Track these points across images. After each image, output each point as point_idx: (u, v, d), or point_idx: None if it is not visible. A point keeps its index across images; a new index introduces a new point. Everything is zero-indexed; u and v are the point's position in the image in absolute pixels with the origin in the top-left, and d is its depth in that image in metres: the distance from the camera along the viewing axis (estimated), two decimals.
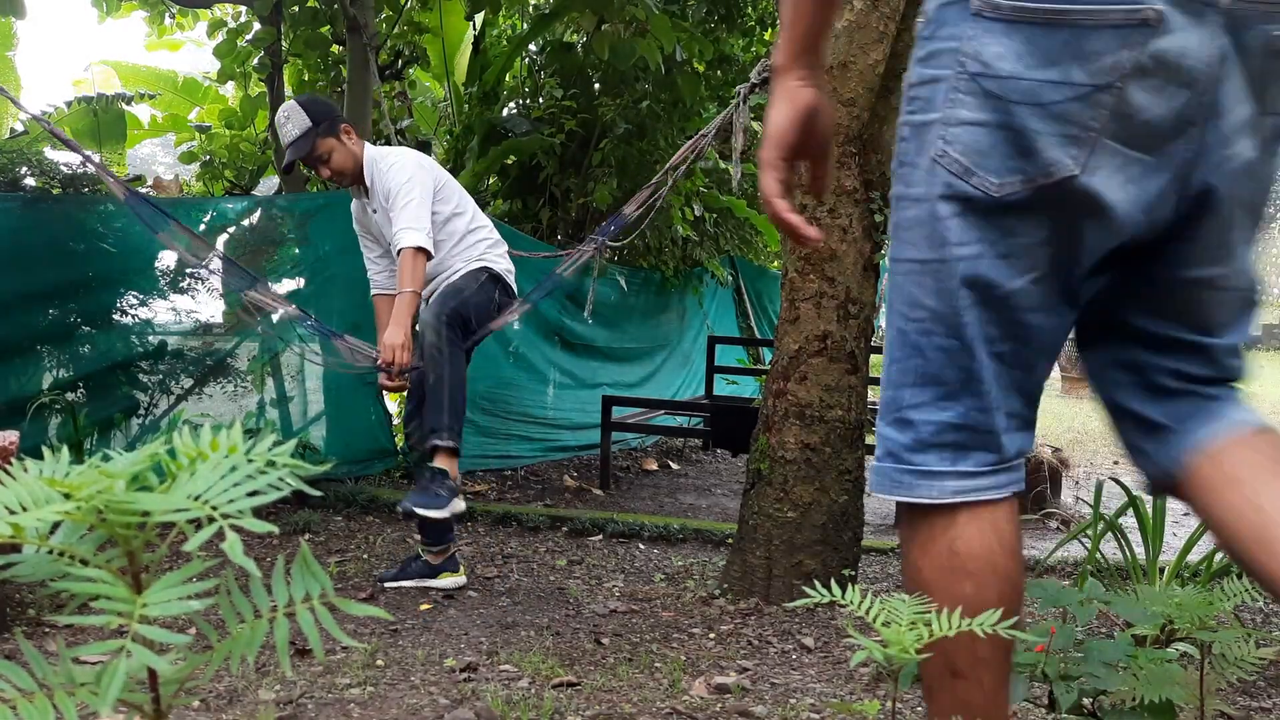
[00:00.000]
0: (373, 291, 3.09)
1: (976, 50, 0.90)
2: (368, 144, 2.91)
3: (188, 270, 3.71)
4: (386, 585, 2.84)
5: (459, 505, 2.72)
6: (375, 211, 2.90)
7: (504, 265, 3.00)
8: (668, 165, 3.29)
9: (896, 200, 1.01)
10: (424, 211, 2.75)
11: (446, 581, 2.88)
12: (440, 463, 2.70)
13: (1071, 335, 1.07)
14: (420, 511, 2.64)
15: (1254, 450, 1.05)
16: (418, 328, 2.79)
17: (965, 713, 1.02)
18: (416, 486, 2.76)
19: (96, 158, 4.65)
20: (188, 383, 3.92)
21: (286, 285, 4.31)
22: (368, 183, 2.87)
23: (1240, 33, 0.86)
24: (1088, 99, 0.87)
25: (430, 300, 2.89)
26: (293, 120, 2.79)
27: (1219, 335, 1.06)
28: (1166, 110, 0.88)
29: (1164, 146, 0.89)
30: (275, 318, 3.52)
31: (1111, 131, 0.88)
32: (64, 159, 3.95)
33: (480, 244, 2.96)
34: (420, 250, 2.72)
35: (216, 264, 3.36)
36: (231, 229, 4.21)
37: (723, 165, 5.82)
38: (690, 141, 3.20)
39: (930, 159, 0.94)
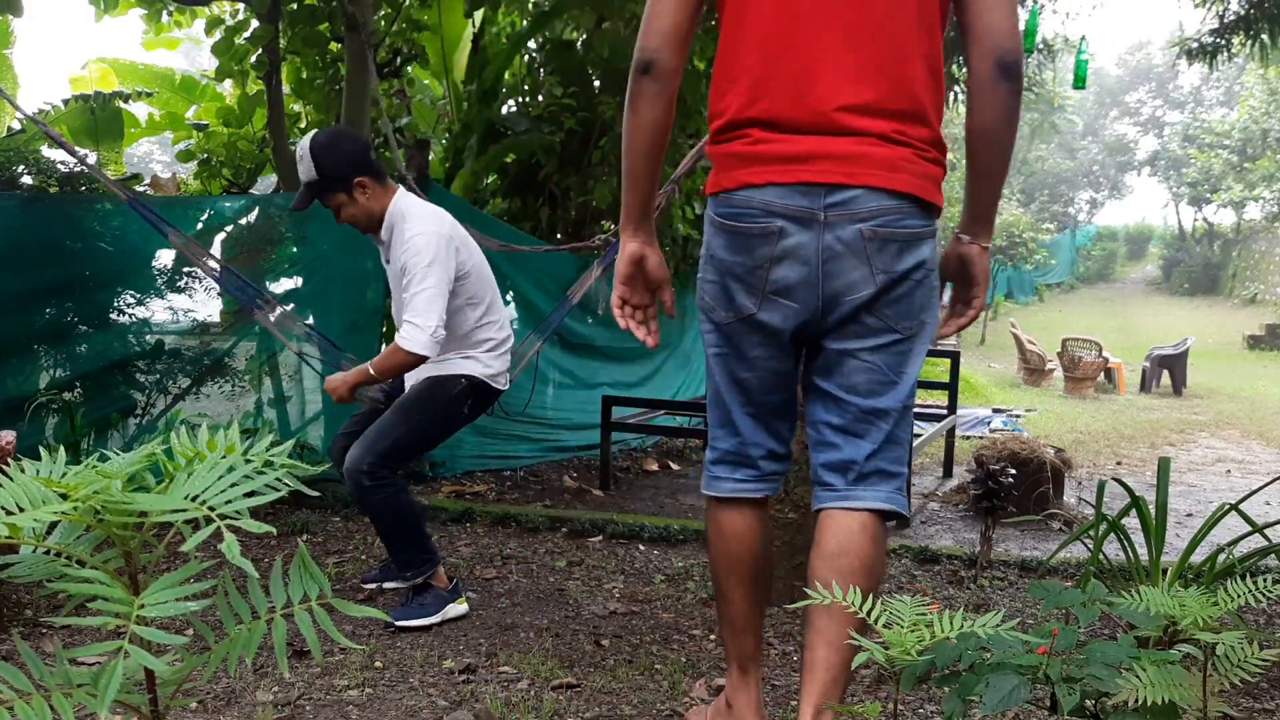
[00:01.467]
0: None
1: (709, 242, 1.58)
2: (401, 192, 2.61)
3: (185, 270, 3.69)
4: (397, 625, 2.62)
5: (453, 611, 2.58)
6: (389, 263, 2.64)
7: (495, 369, 2.69)
8: (673, 176, 3.27)
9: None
10: (439, 304, 2.46)
11: (453, 610, 2.67)
12: (422, 583, 2.59)
13: None
14: (404, 624, 2.48)
15: None
16: (345, 470, 2.51)
17: (727, 622, 1.70)
18: (403, 600, 2.61)
19: (91, 158, 4.64)
20: (185, 382, 3.91)
21: (285, 284, 4.30)
22: (384, 238, 2.59)
23: (836, 229, 1.46)
24: (754, 272, 1.52)
25: (390, 407, 2.62)
26: (303, 164, 2.54)
27: (858, 396, 1.57)
28: (796, 278, 1.50)
29: (799, 296, 1.51)
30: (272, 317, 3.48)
31: (769, 288, 1.52)
32: (62, 157, 3.94)
33: (483, 342, 2.67)
34: (414, 359, 2.46)
35: (219, 273, 3.35)
36: (229, 228, 4.20)
37: None
38: (694, 150, 3.17)
39: (699, 297, 1.63)
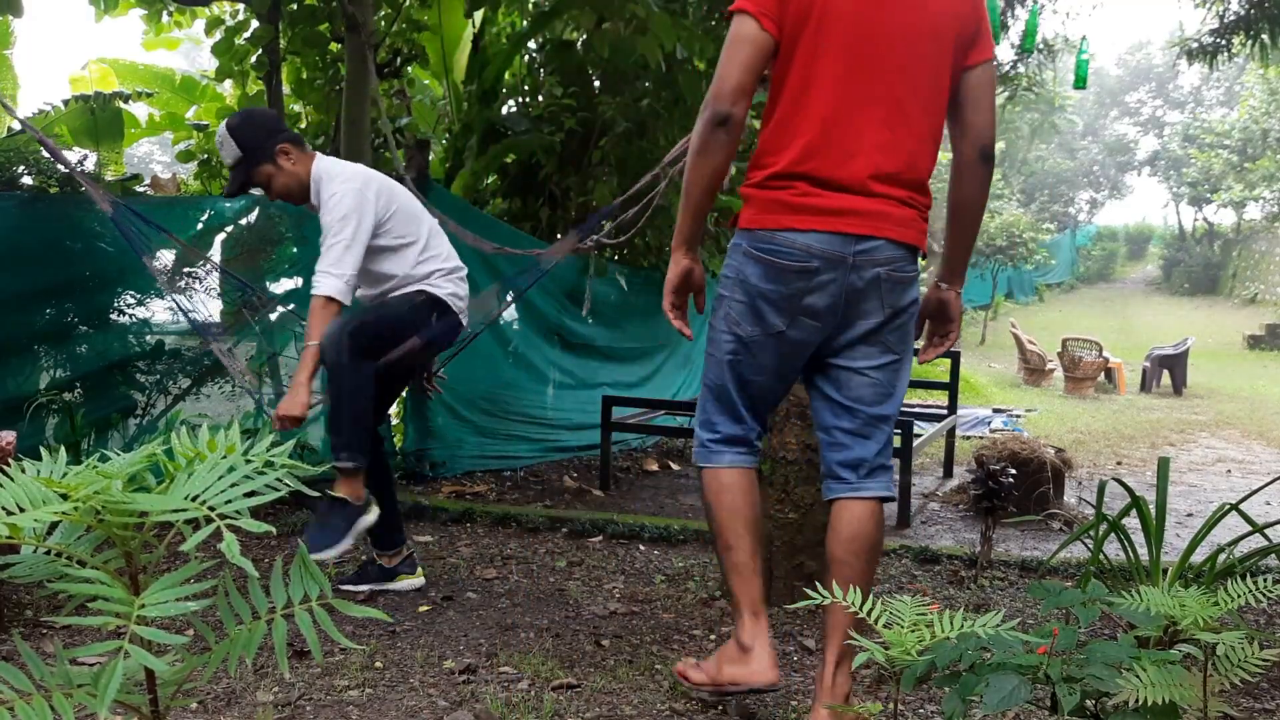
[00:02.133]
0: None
1: (742, 269, 1.87)
2: (319, 157, 2.68)
3: (185, 270, 3.69)
4: (343, 588, 2.76)
5: (364, 522, 2.52)
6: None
7: (448, 289, 2.75)
8: (664, 161, 3.27)
9: (713, 323, 1.98)
10: (351, 255, 2.52)
11: (402, 584, 2.81)
12: (340, 489, 2.53)
13: None
14: (315, 556, 2.42)
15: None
16: (324, 337, 2.53)
17: (735, 570, 1.97)
18: (311, 521, 2.58)
19: (91, 159, 4.64)
20: (185, 383, 3.91)
21: (285, 285, 4.30)
22: (314, 203, 2.65)
23: (860, 271, 1.82)
24: (788, 298, 1.84)
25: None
26: (225, 148, 2.61)
27: (864, 406, 1.91)
28: (823, 305, 1.84)
29: (824, 318, 1.85)
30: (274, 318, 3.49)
31: (800, 312, 1.84)
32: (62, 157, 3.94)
33: (431, 273, 2.73)
34: (331, 300, 2.50)
35: (212, 274, 3.34)
36: (229, 228, 4.20)
37: None
38: (686, 138, 3.17)
39: (724, 313, 1.93)
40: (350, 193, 2.56)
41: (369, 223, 2.58)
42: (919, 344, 2.06)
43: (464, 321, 2.83)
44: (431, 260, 2.74)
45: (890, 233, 1.81)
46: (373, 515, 2.57)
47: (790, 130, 1.81)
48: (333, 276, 2.52)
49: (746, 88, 1.77)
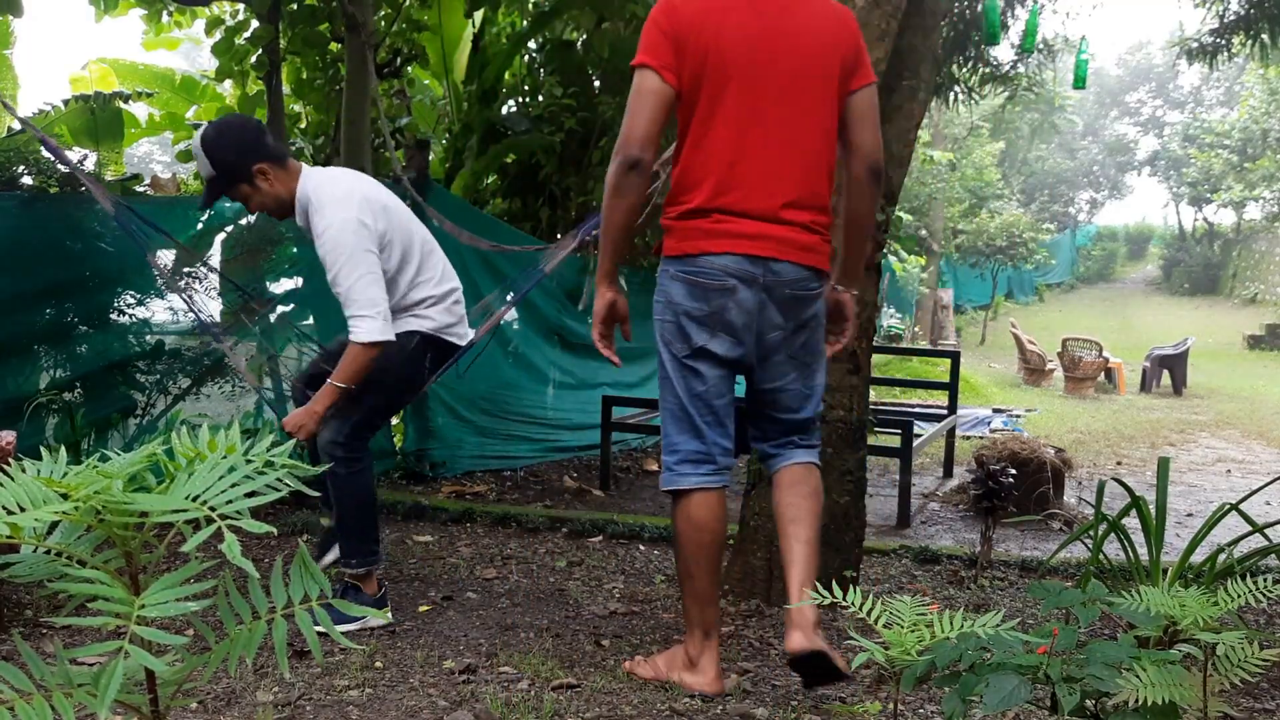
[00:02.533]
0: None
1: (669, 291, 2.06)
2: (305, 173, 2.48)
3: (185, 271, 3.69)
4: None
5: (372, 622, 2.49)
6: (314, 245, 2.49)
7: (439, 321, 2.61)
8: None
9: (658, 348, 2.14)
10: (375, 287, 2.37)
11: (372, 621, 2.52)
12: (356, 580, 2.53)
13: None
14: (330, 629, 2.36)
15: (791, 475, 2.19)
16: (318, 444, 2.48)
17: (693, 596, 2.10)
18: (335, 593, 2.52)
19: (91, 159, 4.64)
20: (185, 383, 3.91)
21: (285, 285, 4.30)
22: (301, 223, 2.49)
23: (771, 291, 2.03)
24: (708, 315, 2.03)
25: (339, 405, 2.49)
26: (199, 163, 2.46)
27: (790, 414, 2.17)
28: (740, 320, 2.03)
29: (741, 334, 2.05)
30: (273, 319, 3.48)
31: (719, 327, 2.03)
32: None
33: (422, 300, 2.58)
34: (373, 345, 2.36)
35: (210, 277, 3.32)
36: (229, 228, 4.20)
37: None
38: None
39: (659, 335, 2.11)
40: (343, 226, 2.37)
41: (374, 247, 2.41)
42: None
43: (461, 342, 2.70)
44: (423, 285, 2.58)
45: (795, 256, 2.02)
46: (383, 620, 2.55)
47: (700, 169, 2.00)
48: (367, 318, 2.36)
49: (653, 136, 1.96)
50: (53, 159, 3.47)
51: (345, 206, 2.39)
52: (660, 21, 1.98)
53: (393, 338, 2.44)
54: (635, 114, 1.95)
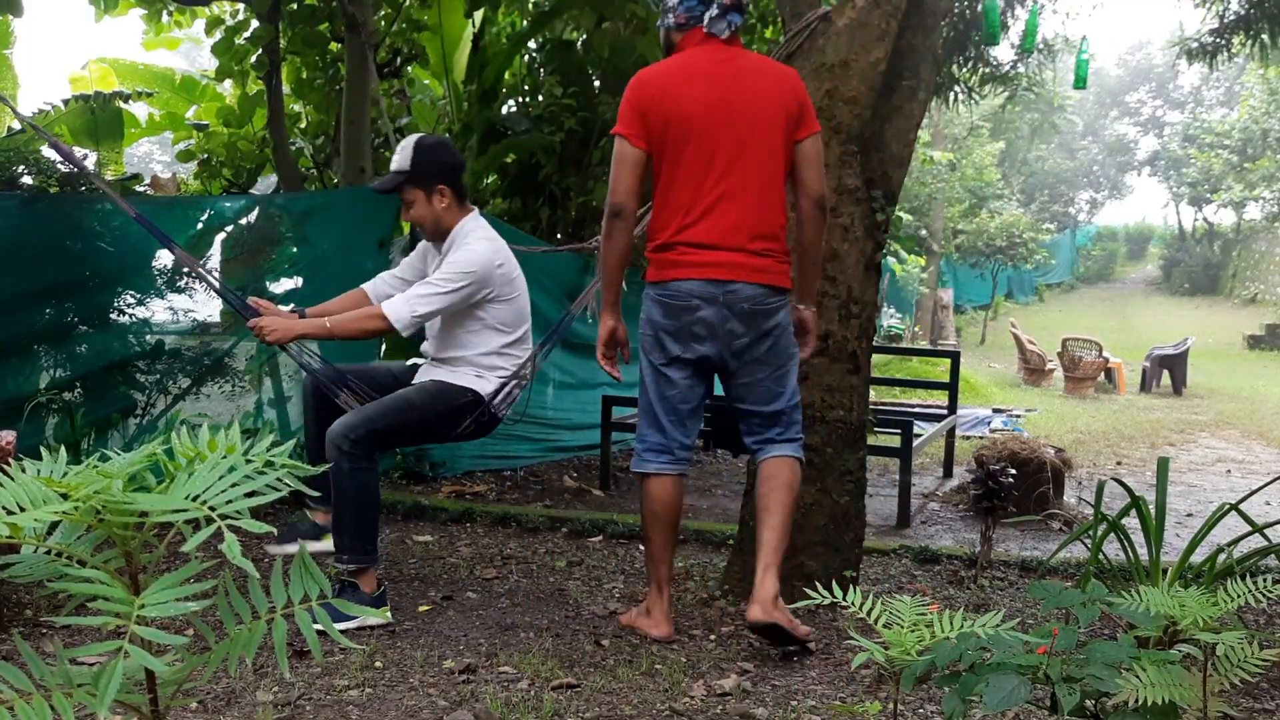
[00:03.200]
0: (365, 286, 2.89)
1: (650, 311, 2.46)
2: (475, 215, 2.75)
3: (186, 270, 3.69)
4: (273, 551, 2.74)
5: (371, 621, 2.50)
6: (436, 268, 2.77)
7: (501, 391, 2.74)
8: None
9: (640, 358, 2.55)
10: (437, 305, 2.59)
11: (371, 620, 2.52)
12: (352, 578, 2.54)
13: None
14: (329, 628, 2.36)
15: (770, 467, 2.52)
16: (330, 430, 2.54)
17: (650, 557, 2.55)
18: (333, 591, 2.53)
19: (91, 159, 4.64)
20: (185, 382, 3.91)
21: (285, 284, 4.30)
22: (442, 251, 2.75)
23: (729, 305, 2.39)
24: (679, 329, 2.42)
25: (396, 392, 2.66)
26: (399, 155, 2.72)
27: (764, 406, 2.49)
28: (705, 332, 2.41)
29: (707, 343, 2.42)
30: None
31: (689, 338, 2.42)
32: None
33: (498, 368, 2.72)
34: (386, 322, 2.55)
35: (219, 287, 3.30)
36: (229, 228, 4.20)
37: None
38: None
39: (641, 347, 2.51)
40: (480, 260, 2.64)
41: (472, 292, 2.64)
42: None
43: (500, 417, 2.79)
44: (508, 359, 2.74)
45: (749, 277, 2.38)
46: (382, 620, 2.55)
47: (669, 212, 2.42)
48: (406, 308, 2.56)
49: (631, 189, 2.40)
50: (54, 157, 3.46)
51: (485, 254, 2.68)
52: (630, 96, 2.41)
53: (405, 334, 2.62)
54: (615, 173, 2.42)
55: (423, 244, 2.88)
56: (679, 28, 2.45)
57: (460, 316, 2.69)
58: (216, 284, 3.12)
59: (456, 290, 2.61)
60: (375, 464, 2.59)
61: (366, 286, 2.90)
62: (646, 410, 2.51)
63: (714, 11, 2.41)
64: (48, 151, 3.73)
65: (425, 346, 2.85)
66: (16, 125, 4.73)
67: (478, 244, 2.67)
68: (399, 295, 2.62)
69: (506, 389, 2.75)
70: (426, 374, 2.74)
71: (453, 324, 2.71)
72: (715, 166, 2.37)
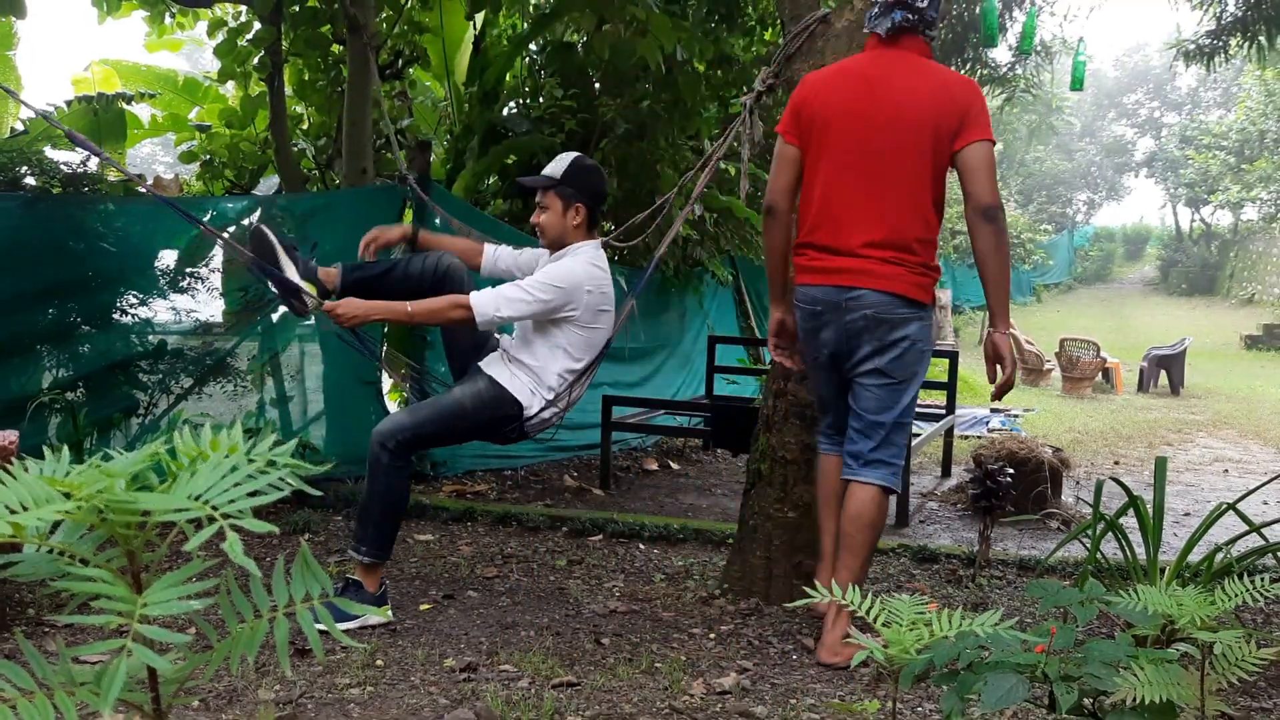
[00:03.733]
0: (488, 245, 2.93)
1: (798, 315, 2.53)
2: (595, 244, 2.79)
3: (187, 270, 3.70)
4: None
5: (372, 620, 2.52)
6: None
7: (548, 411, 2.75)
8: (693, 197, 3.29)
9: None
10: (524, 309, 2.62)
11: (372, 619, 2.56)
12: (358, 574, 2.58)
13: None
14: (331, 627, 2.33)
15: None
16: (378, 427, 2.59)
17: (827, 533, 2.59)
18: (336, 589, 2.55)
19: (86, 158, 4.64)
20: (187, 382, 3.92)
21: None
22: (550, 257, 2.80)
23: (852, 312, 2.37)
24: (809, 333, 2.49)
25: (455, 392, 2.70)
26: (555, 164, 2.82)
27: (866, 413, 2.44)
28: (829, 338, 2.42)
29: (832, 346, 2.43)
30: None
31: (817, 343, 2.48)
32: (64, 158, 3.94)
33: (553, 389, 2.72)
34: (469, 311, 2.56)
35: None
36: (231, 229, 4.20)
37: (722, 165, 5.82)
38: (707, 170, 3.19)
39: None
40: (572, 277, 2.66)
41: (559, 303, 2.64)
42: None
43: (527, 435, 2.81)
44: (567, 385, 2.74)
45: (872, 284, 2.33)
46: (383, 619, 2.56)
47: (805, 213, 2.45)
48: (492, 306, 2.57)
49: (784, 187, 2.46)
50: (57, 158, 3.45)
51: (580, 274, 2.69)
52: (792, 95, 2.48)
53: (483, 329, 2.67)
54: (773, 173, 2.49)
55: (543, 250, 2.88)
56: (865, 31, 2.45)
57: (544, 326, 2.72)
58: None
59: (542, 300, 2.61)
60: (410, 464, 2.64)
61: (489, 246, 2.94)
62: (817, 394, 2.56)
63: (875, 11, 2.38)
64: (51, 152, 3.73)
65: (504, 339, 2.87)
66: (19, 126, 4.73)
67: (578, 264, 2.70)
68: (490, 291, 2.62)
69: (546, 414, 2.74)
70: (491, 366, 2.75)
71: (535, 330, 2.75)
72: (849, 169, 2.34)
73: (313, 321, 3.16)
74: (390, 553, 2.63)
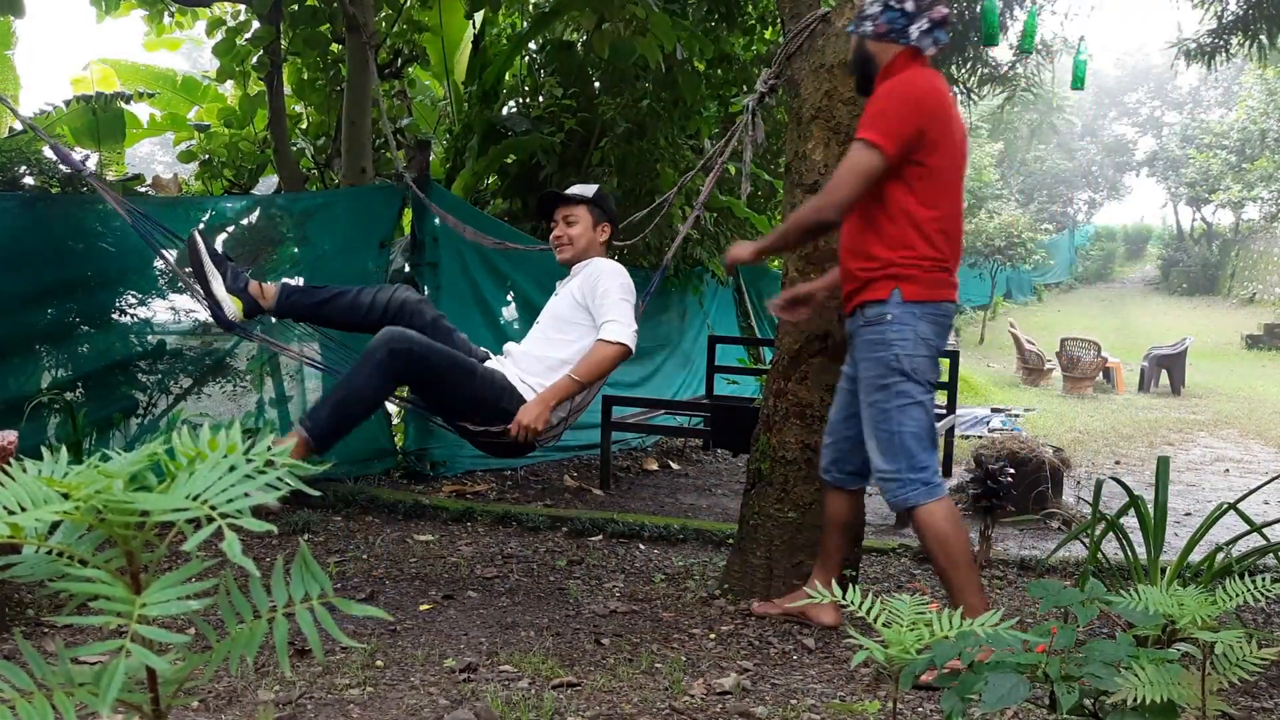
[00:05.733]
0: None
1: (924, 330, 2.36)
2: (613, 263, 2.93)
3: (187, 270, 3.69)
4: None
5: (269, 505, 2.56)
6: (560, 290, 2.96)
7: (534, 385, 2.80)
8: (699, 201, 3.31)
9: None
10: (633, 312, 2.77)
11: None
12: (293, 438, 2.55)
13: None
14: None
15: None
16: (392, 328, 2.62)
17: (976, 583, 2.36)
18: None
19: (93, 160, 4.64)
20: (186, 382, 3.92)
21: None
22: (574, 271, 2.94)
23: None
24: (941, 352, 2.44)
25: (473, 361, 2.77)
26: (581, 188, 3.00)
27: None
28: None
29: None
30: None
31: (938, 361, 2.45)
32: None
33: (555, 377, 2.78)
34: (623, 349, 2.70)
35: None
36: (231, 228, 4.20)
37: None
38: (712, 173, 3.21)
39: (914, 367, 2.37)
40: (626, 278, 2.85)
41: (634, 302, 2.84)
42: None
43: (536, 445, 2.81)
44: (577, 397, 2.80)
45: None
46: (272, 506, 2.59)
47: (933, 228, 2.38)
48: (623, 325, 2.73)
49: (853, 206, 2.39)
50: (56, 158, 3.45)
51: (626, 274, 2.88)
52: (916, 106, 2.33)
53: (633, 349, 2.76)
54: (856, 180, 2.34)
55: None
56: (877, 37, 2.32)
57: (568, 325, 2.80)
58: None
59: (630, 301, 2.78)
60: (394, 383, 2.62)
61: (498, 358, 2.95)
62: (925, 435, 2.33)
63: (922, 24, 2.27)
64: (49, 152, 3.73)
65: (511, 346, 2.93)
66: (18, 126, 4.73)
67: (618, 269, 2.85)
68: (612, 324, 2.72)
69: (553, 420, 2.77)
70: (501, 366, 2.81)
71: (556, 330, 2.81)
72: (959, 189, 2.48)
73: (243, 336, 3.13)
74: (330, 446, 2.60)
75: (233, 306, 2.70)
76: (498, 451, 2.83)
